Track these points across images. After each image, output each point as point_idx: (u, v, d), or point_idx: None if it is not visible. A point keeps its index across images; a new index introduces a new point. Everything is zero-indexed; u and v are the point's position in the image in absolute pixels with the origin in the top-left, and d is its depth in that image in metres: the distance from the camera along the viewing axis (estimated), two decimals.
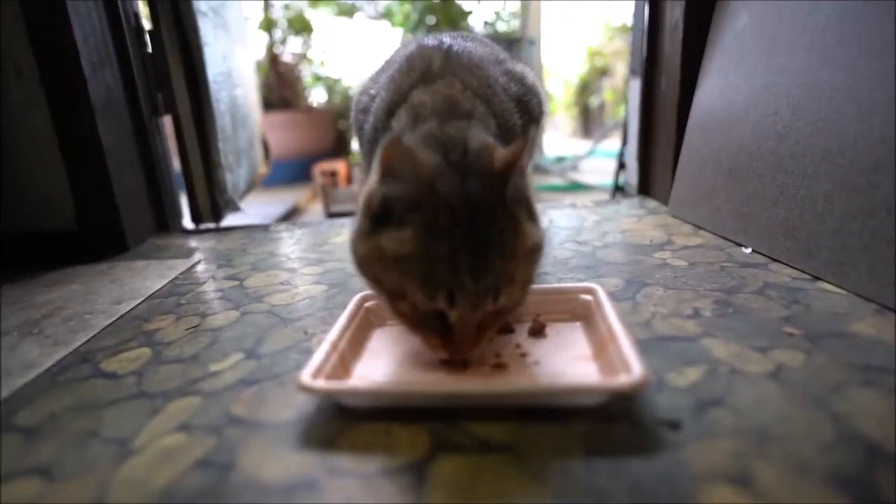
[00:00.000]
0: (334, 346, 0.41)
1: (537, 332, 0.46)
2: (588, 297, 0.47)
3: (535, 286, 0.51)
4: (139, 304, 0.63)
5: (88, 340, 0.53)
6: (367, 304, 0.49)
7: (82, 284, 0.71)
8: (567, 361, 0.41)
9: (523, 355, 0.42)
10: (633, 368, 0.34)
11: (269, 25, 3.27)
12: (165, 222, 1.01)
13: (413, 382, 0.40)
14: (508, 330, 0.46)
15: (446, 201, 0.36)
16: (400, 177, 0.36)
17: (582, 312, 0.47)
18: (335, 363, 0.40)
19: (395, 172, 0.36)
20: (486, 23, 3.08)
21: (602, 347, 0.40)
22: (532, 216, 0.40)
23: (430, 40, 0.53)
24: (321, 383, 0.36)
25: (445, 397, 0.37)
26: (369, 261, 0.39)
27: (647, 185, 1.04)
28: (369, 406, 0.37)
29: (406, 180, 0.36)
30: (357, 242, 0.40)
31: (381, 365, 0.43)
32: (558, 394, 0.36)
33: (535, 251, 0.40)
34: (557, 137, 4.70)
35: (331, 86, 3.61)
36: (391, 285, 0.38)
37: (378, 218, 0.38)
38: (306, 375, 0.36)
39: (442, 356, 0.40)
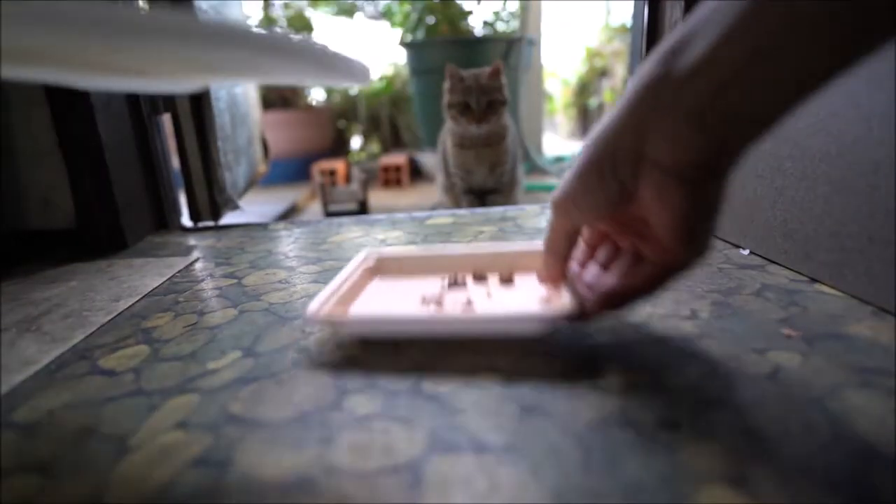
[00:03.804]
0: (335, 291, 0.50)
1: (506, 281, 0.55)
2: None
3: (509, 245, 0.62)
4: (137, 301, 0.63)
5: (87, 337, 0.53)
6: (367, 265, 0.58)
7: (81, 281, 0.71)
8: (524, 302, 0.50)
9: (489, 296, 0.52)
10: (565, 301, 0.42)
11: (268, 24, 3.27)
12: (164, 220, 1.01)
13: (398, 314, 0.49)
14: (481, 278, 0.56)
15: (466, 85, 1.45)
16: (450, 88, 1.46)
17: None
18: (335, 304, 0.48)
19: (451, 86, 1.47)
20: (485, 23, 3.07)
21: (557, 292, 0.47)
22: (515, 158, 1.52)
23: None
24: (325, 312, 0.45)
25: (425, 324, 0.46)
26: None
27: None
28: (361, 334, 0.47)
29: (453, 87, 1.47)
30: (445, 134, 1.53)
31: (373, 307, 0.52)
32: (502, 321, 0.45)
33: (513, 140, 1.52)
34: (556, 138, 4.70)
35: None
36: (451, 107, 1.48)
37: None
38: (313, 307, 0.45)
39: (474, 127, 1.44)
